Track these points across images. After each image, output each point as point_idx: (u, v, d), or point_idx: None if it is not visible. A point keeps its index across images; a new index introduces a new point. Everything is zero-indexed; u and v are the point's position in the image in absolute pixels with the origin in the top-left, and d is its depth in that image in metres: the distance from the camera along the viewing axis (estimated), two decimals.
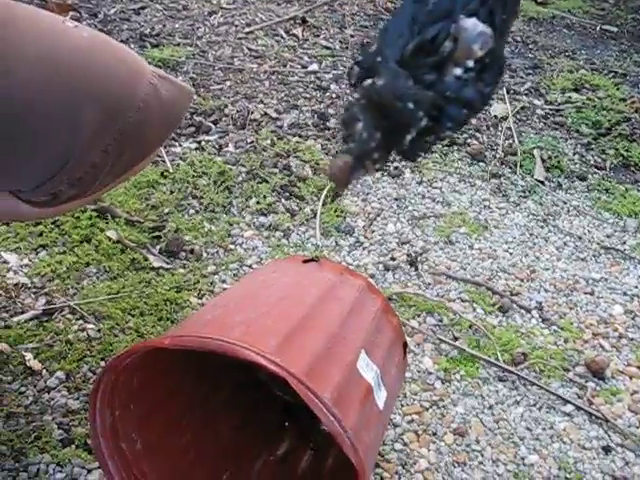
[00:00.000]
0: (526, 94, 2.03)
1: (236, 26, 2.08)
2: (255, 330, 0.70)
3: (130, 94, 0.80)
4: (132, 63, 0.83)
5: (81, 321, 1.08)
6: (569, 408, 1.08)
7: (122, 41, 1.91)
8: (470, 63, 0.46)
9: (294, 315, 0.74)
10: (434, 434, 1.00)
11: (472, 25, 0.45)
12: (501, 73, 0.49)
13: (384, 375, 0.77)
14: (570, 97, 2.05)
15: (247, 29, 2.06)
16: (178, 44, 1.93)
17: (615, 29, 2.74)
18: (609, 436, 1.04)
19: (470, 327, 1.17)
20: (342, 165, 0.54)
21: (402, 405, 1.02)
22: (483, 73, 0.46)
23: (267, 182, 1.41)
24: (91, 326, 1.07)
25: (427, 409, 1.03)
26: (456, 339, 1.15)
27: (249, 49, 1.95)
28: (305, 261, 0.86)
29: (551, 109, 1.97)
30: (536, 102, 1.99)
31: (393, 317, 0.85)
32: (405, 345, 0.87)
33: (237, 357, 0.65)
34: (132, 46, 1.90)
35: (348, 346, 0.74)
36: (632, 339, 1.23)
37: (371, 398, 0.73)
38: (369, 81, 0.52)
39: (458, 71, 0.46)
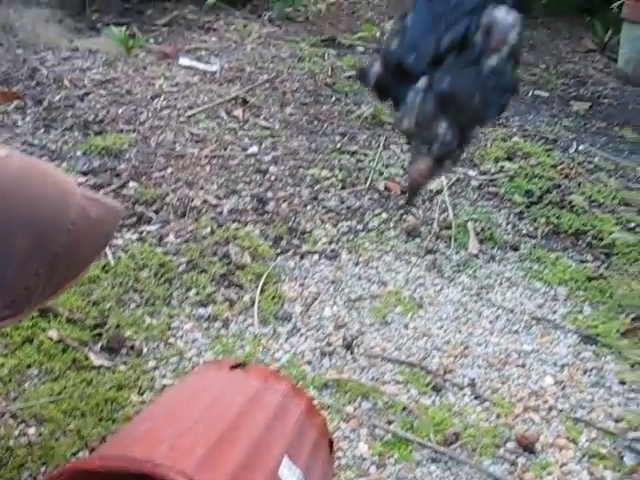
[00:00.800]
0: (461, 165, 2.11)
1: (178, 109, 2.15)
2: (180, 446, 0.74)
3: (60, 218, 0.85)
4: (62, 187, 0.87)
5: (22, 425, 1.10)
6: None
7: (67, 128, 1.97)
8: (505, 51, 0.49)
9: (218, 426, 0.78)
10: None
11: (503, 15, 0.48)
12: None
13: (309, 477, 0.81)
14: (503, 166, 2.14)
15: (189, 112, 2.13)
16: (121, 130, 1.99)
17: (546, 94, 2.87)
18: None
19: (404, 409, 1.22)
20: (424, 169, 0.55)
21: None
22: (513, 56, 0.49)
23: (206, 272, 1.45)
24: (32, 430, 1.09)
25: None
26: (390, 422, 1.19)
27: (191, 133, 2.01)
28: (232, 367, 0.90)
29: (485, 179, 2.05)
30: (471, 173, 2.07)
31: (317, 417, 0.89)
32: (331, 442, 0.91)
33: (160, 477, 0.69)
34: (76, 134, 1.95)
35: (270, 453, 0.78)
36: (561, 410, 1.28)
37: None
38: (423, 82, 0.53)
39: (494, 60, 0.49)
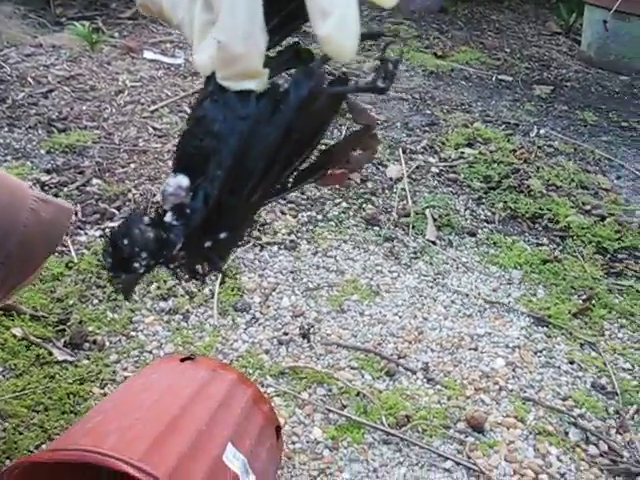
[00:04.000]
0: (422, 152, 2.16)
1: (142, 104, 2.17)
2: (127, 437, 0.78)
3: (12, 222, 0.89)
4: (14, 192, 0.91)
5: None
6: (449, 464, 1.17)
7: (30, 127, 1.99)
8: (170, 213, 0.54)
9: (165, 417, 0.82)
10: None
11: (173, 182, 0.54)
12: (196, 228, 0.56)
13: (253, 461, 0.86)
14: (463, 152, 2.18)
15: (152, 107, 2.16)
16: (85, 127, 2.01)
17: (510, 78, 2.92)
18: None
19: (358, 394, 1.27)
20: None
21: (292, 476, 1.11)
22: (181, 222, 0.55)
23: None
24: None
25: (315, 478, 1.11)
26: (344, 407, 1.24)
27: (154, 128, 2.04)
28: (182, 359, 0.94)
29: (445, 166, 2.10)
30: (431, 160, 2.12)
31: (264, 404, 0.93)
32: (278, 428, 0.95)
33: (108, 467, 0.73)
34: (40, 132, 1.97)
35: (215, 441, 0.82)
36: (512, 390, 1.34)
37: None
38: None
39: (167, 217, 0.55)
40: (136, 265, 0.55)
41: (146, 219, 0.54)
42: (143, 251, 0.54)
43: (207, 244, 0.56)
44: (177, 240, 0.54)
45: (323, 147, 0.61)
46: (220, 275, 1.47)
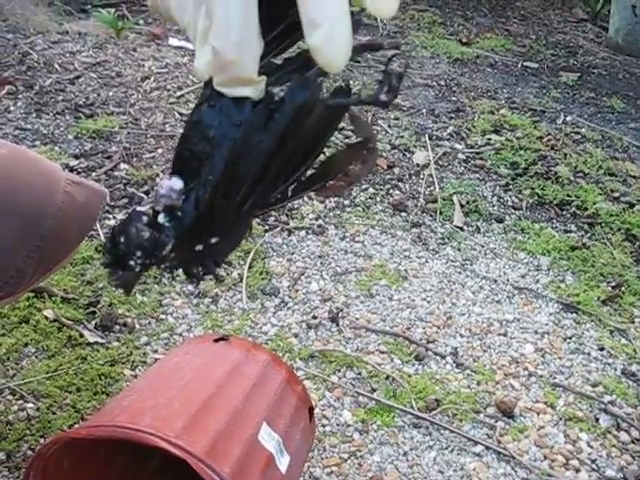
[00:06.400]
0: (448, 139, 2.15)
1: (168, 90, 2.18)
2: (163, 415, 0.79)
3: (47, 204, 0.90)
4: (49, 175, 0.92)
5: (21, 401, 1.15)
6: (479, 448, 1.17)
7: (58, 113, 2.00)
8: (162, 214, 0.55)
9: (200, 396, 0.82)
10: None
11: (166, 184, 0.54)
12: (187, 230, 0.56)
13: (287, 441, 0.86)
14: (490, 139, 2.17)
15: (178, 93, 2.16)
16: (112, 113, 2.02)
17: (536, 65, 2.90)
18: (515, 472, 1.14)
19: (387, 378, 1.26)
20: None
21: (322, 458, 1.11)
22: (173, 224, 0.55)
23: None
24: (30, 405, 1.14)
25: (345, 460, 1.11)
26: (374, 390, 1.24)
27: (180, 114, 2.04)
28: (216, 340, 0.95)
29: (471, 152, 2.08)
30: (457, 146, 2.11)
31: (297, 385, 0.93)
32: (311, 409, 0.95)
33: (144, 444, 0.74)
34: (67, 117, 1.98)
35: (250, 420, 0.83)
36: (541, 376, 1.33)
37: (272, 465, 0.82)
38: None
39: (160, 217, 0.55)
40: (132, 263, 0.56)
41: (145, 218, 0.55)
42: (138, 250, 0.55)
43: (198, 247, 0.57)
44: (167, 241, 0.55)
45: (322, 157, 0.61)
46: (247, 262, 1.48)
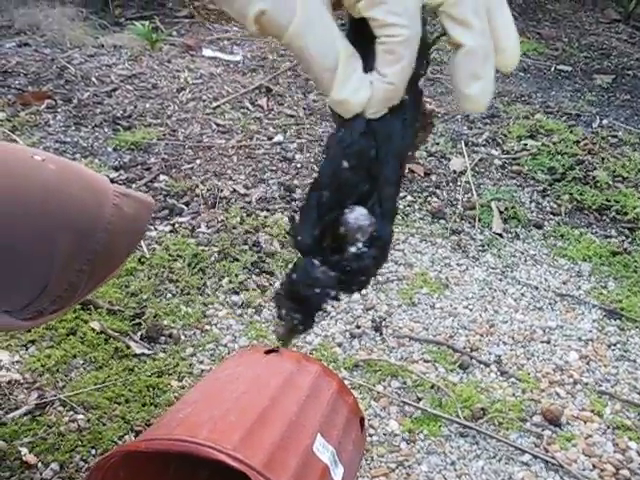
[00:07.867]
0: (484, 145, 2.14)
1: (204, 101, 2.20)
2: (220, 427, 0.79)
3: (98, 217, 0.90)
4: (97, 188, 0.93)
5: (71, 412, 1.16)
6: (527, 457, 1.16)
7: (96, 125, 2.03)
8: (359, 244, 0.55)
9: (255, 408, 0.83)
10: None
11: (354, 216, 0.55)
12: (388, 242, 0.58)
13: (341, 452, 0.86)
14: (526, 144, 2.16)
15: (214, 103, 2.18)
16: (149, 124, 2.04)
17: (569, 68, 2.88)
18: None
19: (432, 387, 1.26)
20: (281, 332, 0.65)
21: (370, 468, 1.11)
22: (373, 245, 0.56)
23: (238, 260, 1.51)
24: (81, 416, 1.16)
25: (393, 470, 1.11)
26: (419, 400, 1.24)
27: (217, 124, 2.06)
28: (267, 352, 0.95)
29: (508, 158, 2.08)
30: (493, 152, 2.10)
31: (349, 396, 0.94)
32: (362, 420, 0.96)
33: (203, 456, 0.74)
34: (106, 130, 2.01)
35: (305, 432, 0.83)
36: (586, 384, 1.32)
37: (328, 476, 0.82)
38: (286, 274, 0.60)
39: (353, 249, 0.56)
40: (325, 304, 0.60)
41: (317, 262, 0.56)
42: (328, 288, 0.57)
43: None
44: (370, 263, 0.56)
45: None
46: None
